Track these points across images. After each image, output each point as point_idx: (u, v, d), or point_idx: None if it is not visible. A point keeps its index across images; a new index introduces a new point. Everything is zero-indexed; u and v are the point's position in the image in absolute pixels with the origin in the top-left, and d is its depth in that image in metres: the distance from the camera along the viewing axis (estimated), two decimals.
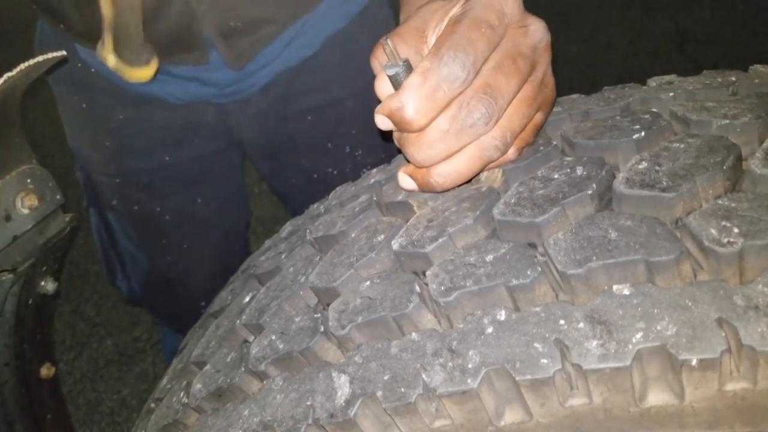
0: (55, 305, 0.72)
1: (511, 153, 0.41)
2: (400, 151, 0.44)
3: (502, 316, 0.33)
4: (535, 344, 0.31)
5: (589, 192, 0.36)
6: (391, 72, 0.40)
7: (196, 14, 0.71)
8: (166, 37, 0.73)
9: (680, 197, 0.34)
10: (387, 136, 0.44)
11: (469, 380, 0.32)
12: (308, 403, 0.36)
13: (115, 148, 0.89)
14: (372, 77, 0.43)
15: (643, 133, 0.39)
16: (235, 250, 1.07)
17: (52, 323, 0.72)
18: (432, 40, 0.42)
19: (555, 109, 0.47)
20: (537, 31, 0.40)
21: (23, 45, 0.86)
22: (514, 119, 0.40)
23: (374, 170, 0.55)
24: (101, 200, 0.95)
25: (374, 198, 0.47)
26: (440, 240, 0.38)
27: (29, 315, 0.66)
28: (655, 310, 0.30)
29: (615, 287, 0.31)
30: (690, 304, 0.30)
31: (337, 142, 0.91)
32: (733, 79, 0.44)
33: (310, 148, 0.92)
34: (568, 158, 0.40)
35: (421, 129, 0.39)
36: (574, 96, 0.50)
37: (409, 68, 0.39)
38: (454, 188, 0.42)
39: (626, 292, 0.31)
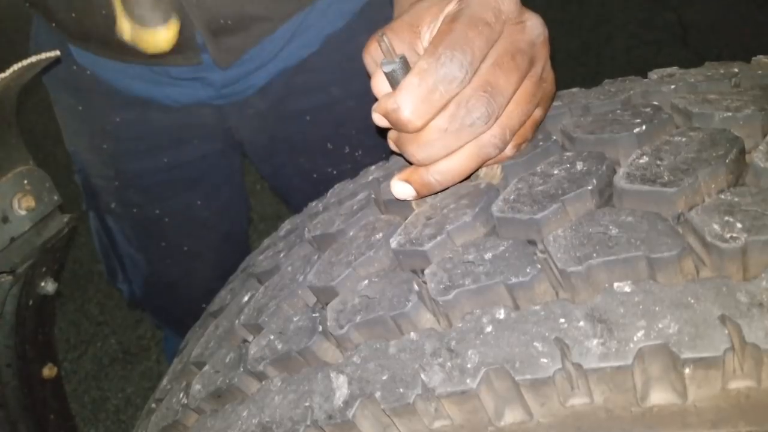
0: (55, 305, 0.72)
1: (510, 149, 0.41)
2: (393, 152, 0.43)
3: (501, 314, 0.33)
4: (535, 343, 0.31)
5: (590, 188, 0.35)
6: (388, 69, 0.39)
7: (186, 12, 0.70)
8: None
9: (682, 192, 0.33)
10: (385, 134, 0.43)
11: (468, 380, 0.31)
12: (307, 404, 0.36)
13: (113, 151, 0.88)
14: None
15: (644, 127, 0.38)
16: (235, 251, 1.06)
17: (53, 324, 0.72)
18: (426, 36, 0.41)
19: (555, 104, 0.46)
20: (534, 26, 0.40)
21: (23, 45, 0.85)
22: (513, 116, 0.39)
23: (372, 167, 0.54)
24: (100, 204, 0.95)
25: (372, 196, 0.47)
26: (439, 238, 0.37)
27: (30, 316, 0.66)
28: (657, 308, 0.29)
29: (616, 285, 0.31)
30: (692, 301, 0.29)
31: (337, 142, 0.90)
32: (736, 70, 0.43)
33: (310, 149, 0.91)
34: (567, 153, 0.40)
35: (418, 130, 0.38)
36: (574, 90, 0.49)
37: (406, 65, 0.38)
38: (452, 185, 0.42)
39: (627, 289, 0.31)
